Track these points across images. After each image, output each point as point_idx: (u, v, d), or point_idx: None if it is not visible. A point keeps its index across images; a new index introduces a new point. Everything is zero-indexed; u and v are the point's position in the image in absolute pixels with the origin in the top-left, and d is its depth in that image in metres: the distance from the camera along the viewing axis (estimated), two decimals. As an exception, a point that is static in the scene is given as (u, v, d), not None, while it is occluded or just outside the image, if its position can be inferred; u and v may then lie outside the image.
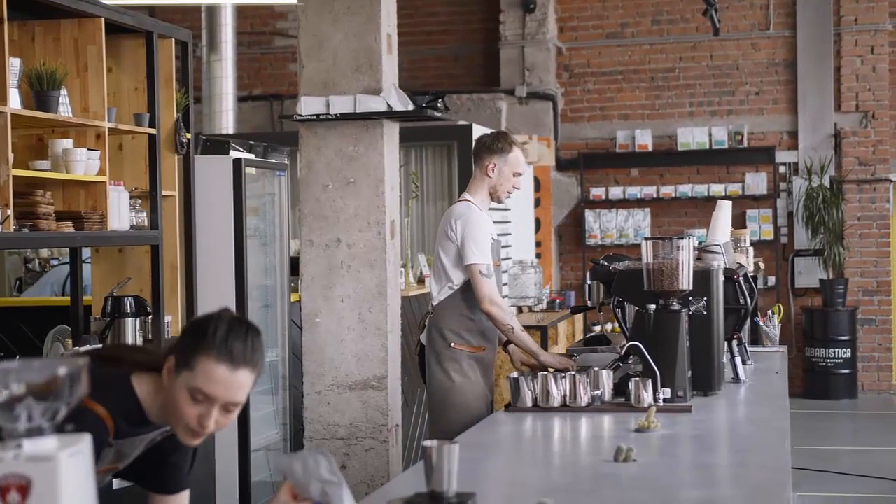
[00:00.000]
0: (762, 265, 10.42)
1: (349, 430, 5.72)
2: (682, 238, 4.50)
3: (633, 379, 4.29)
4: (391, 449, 5.77)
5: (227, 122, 10.21)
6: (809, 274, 12.49)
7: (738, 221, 12.27)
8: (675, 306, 4.46)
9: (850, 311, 12.23)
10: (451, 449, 2.77)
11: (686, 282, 4.45)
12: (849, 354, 12.14)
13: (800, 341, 12.50)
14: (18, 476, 1.79)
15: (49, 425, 1.85)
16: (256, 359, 2.57)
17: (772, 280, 12.45)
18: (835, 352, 12.12)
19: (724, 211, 5.52)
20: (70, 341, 5.64)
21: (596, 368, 4.45)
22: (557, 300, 10.96)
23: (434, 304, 5.35)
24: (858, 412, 11.76)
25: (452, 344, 5.23)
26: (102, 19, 5.37)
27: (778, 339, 6.47)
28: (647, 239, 4.53)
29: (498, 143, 5.34)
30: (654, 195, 12.73)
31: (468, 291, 5.21)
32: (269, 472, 6.97)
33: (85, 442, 1.86)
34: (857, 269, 12.48)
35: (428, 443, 2.74)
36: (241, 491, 6.54)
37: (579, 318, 11.13)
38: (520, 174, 5.37)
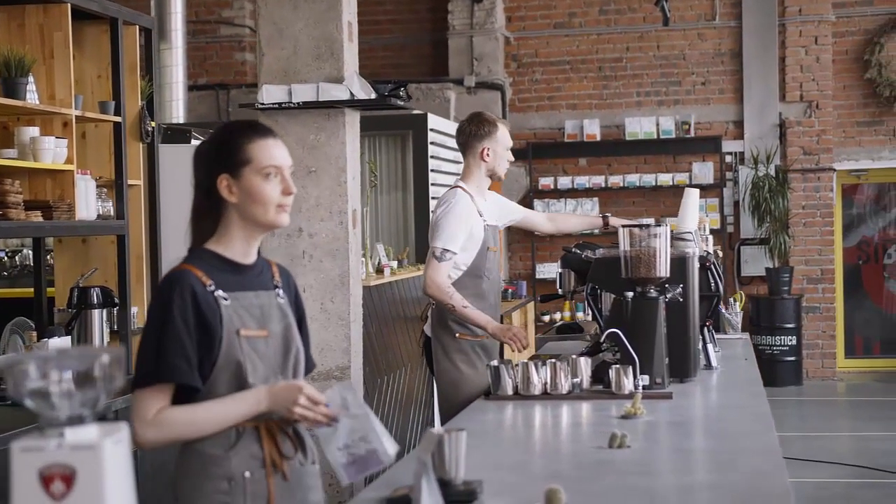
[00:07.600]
0: (721, 252, 10.51)
1: (313, 420, 5.69)
2: (659, 226, 4.53)
3: (613, 366, 4.31)
4: (353, 438, 5.75)
5: (178, 111, 10.07)
6: (755, 262, 12.63)
7: (686, 210, 12.36)
8: (653, 293, 4.48)
9: (795, 298, 12.38)
10: (459, 436, 2.77)
11: (663, 269, 4.48)
12: (794, 342, 12.30)
13: (746, 329, 12.63)
14: (62, 466, 1.76)
15: (90, 413, 1.82)
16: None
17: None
18: (780, 339, 12.26)
19: (692, 198, 5.55)
20: (34, 333, 5.55)
21: (574, 356, 4.47)
22: (510, 290, 10.98)
23: None
24: (804, 398, 11.91)
25: (458, 335, 5.25)
26: (69, 5, 5.28)
27: (739, 326, 6.53)
28: (624, 226, 4.55)
29: (484, 127, 5.38)
30: (603, 185, 12.78)
31: (466, 278, 5.20)
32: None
33: (124, 430, 1.83)
34: (802, 258, 12.63)
35: (436, 430, 2.73)
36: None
37: (531, 307, 11.17)
38: (510, 146, 5.47)
